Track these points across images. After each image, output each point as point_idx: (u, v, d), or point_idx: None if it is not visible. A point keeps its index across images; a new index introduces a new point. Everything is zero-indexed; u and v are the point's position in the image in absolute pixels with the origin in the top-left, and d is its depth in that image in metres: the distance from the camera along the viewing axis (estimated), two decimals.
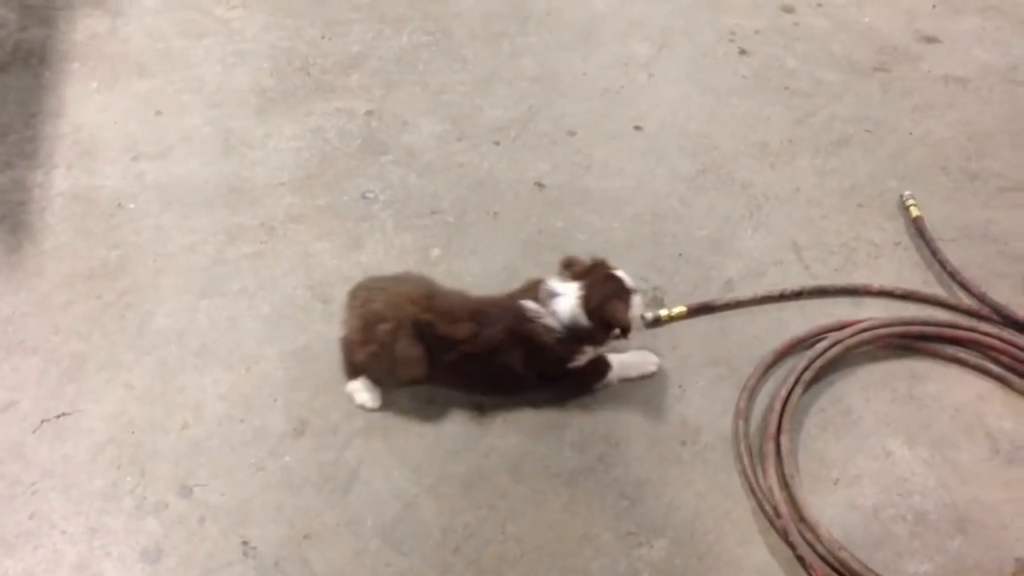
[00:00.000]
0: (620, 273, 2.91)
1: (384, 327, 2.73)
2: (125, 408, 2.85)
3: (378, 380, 2.92)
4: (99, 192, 3.57)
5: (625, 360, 3.09)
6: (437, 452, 2.83)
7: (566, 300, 2.81)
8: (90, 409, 2.84)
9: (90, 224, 3.43)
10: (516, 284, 3.27)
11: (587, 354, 2.92)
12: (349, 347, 2.87)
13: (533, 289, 2.88)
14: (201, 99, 4.11)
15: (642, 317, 3.23)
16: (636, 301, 2.92)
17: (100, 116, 3.94)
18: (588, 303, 2.80)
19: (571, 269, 2.92)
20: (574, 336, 2.83)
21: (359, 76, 4.37)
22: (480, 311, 2.84)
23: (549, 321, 2.80)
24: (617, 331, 2.87)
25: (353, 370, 2.92)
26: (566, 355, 2.88)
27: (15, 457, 2.70)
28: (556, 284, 2.85)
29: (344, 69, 4.40)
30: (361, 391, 2.94)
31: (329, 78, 4.33)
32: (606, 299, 2.81)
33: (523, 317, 2.82)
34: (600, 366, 3.01)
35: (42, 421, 2.80)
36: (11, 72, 4.15)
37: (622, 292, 2.86)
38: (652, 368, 3.13)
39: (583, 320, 2.80)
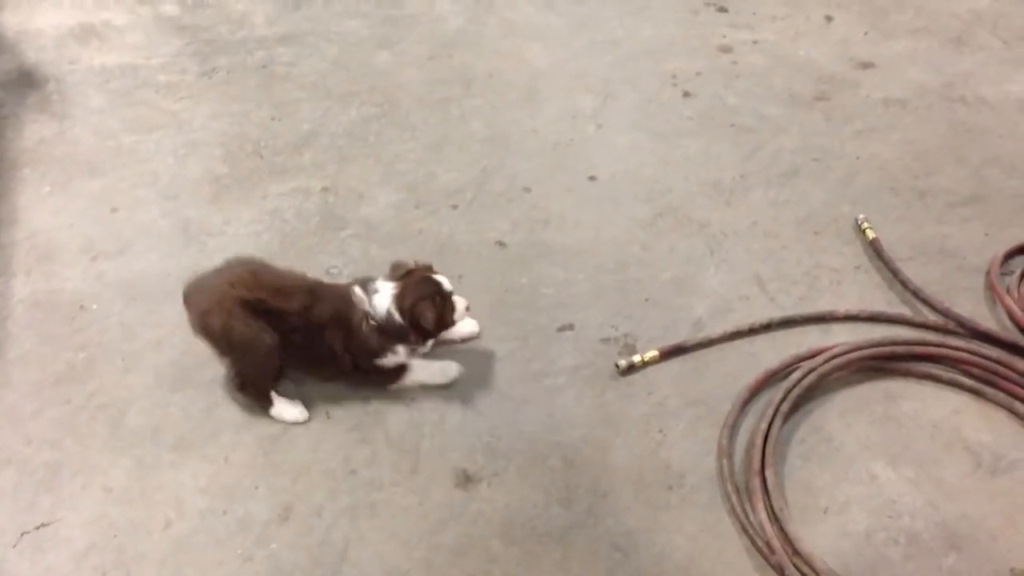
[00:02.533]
0: (439, 277, 3.08)
1: (215, 323, 2.89)
2: (105, 512, 2.80)
3: (253, 378, 3.08)
4: (60, 295, 3.54)
5: (428, 365, 3.23)
6: (424, 524, 2.80)
7: (383, 297, 3.00)
8: (69, 517, 2.79)
9: (53, 329, 3.40)
10: (487, 345, 3.31)
11: (399, 355, 3.10)
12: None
13: (365, 282, 3.07)
14: (156, 192, 4.11)
15: (616, 365, 3.25)
16: (460, 305, 3.13)
17: (55, 219, 3.92)
18: (400, 302, 2.99)
19: (396, 271, 3.10)
20: (386, 332, 3.01)
21: (311, 154, 4.39)
22: (315, 289, 3.04)
23: (368, 311, 3.00)
24: (429, 333, 3.08)
25: (238, 378, 3.11)
26: (377, 349, 3.05)
27: None
28: (380, 282, 3.05)
29: (296, 148, 4.43)
30: (284, 410, 3.10)
31: (282, 159, 4.36)
32: (417, 300, 2.99)
33: (349, 302, 3.02)
34: (400, 369, 3.17)
35: (21, 534, 2.74)
36: None
37: (435, 295, 3.03)
38: (453, 375, 3.24)
39: (396, 317, 2.98)
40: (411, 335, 3.05)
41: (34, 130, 4.51)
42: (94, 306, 3.50)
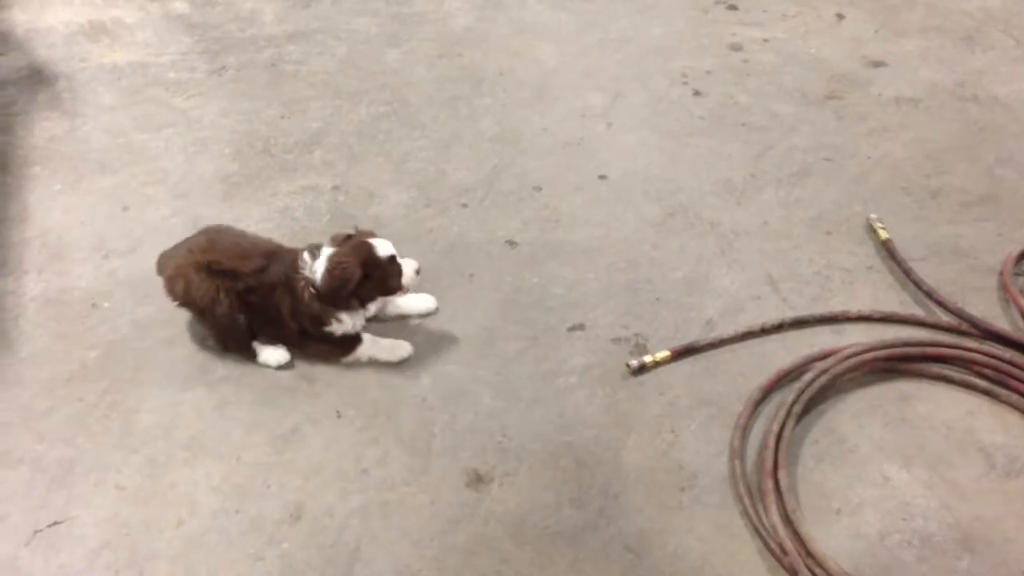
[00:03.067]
0: (376, 241, 3.14)
1: (178, 287, 3.13)
2: (118, 510, 2.80)
3: (228, 336, 3.23)
4: (72, 294, 3.54)
5: (379, 341, 3.31)
6: (436, 524, 2.80)
7: (321, 262, 3.08)
8: (82, 515, 2.79)
9: (66, 327, 3.40)
10: (498, 345, 3.31)
11: (344, 324, 3.17)
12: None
13: (314, 248, 3.15)
14: (166, 190, 4.11)
15: (627, 365, 3.24)
16: (408, 268, 3.18)
17: (66, 217, 3.92)
18: (328, 264, 3.06)
19: (336, 238, 3.18)
20: (325, 297, 3.08)
21: (321, 152, 4.39)
22: (273, 253, 3.18)
23: (309, 276, 3.08)
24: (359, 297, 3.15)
25: (218, 340, 3.28)
26: (320, 314, 3.12)
27: (10, 572, 2.63)
28: (323, 248, 3.12)
29: (306, 147, 4.43)
30: (268, 355, 3.25)
31: (292, 157, 4.36)
32: (341, 263, 3.04)
33: (296, 266, 3.10)
34: (350, 341, 3.24)
35: (34, 532, 2.73)
36: None
37: (365, 259, 3.08)
38: (403, 354, 3.31)
39: (325, 281, 3.06)
40: (347, 301, 3.12)
41: (45, 128, 4.52)
42: (106, 304, 3.50)
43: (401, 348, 3.32)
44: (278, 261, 3.15)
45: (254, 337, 3.26)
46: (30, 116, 4.60)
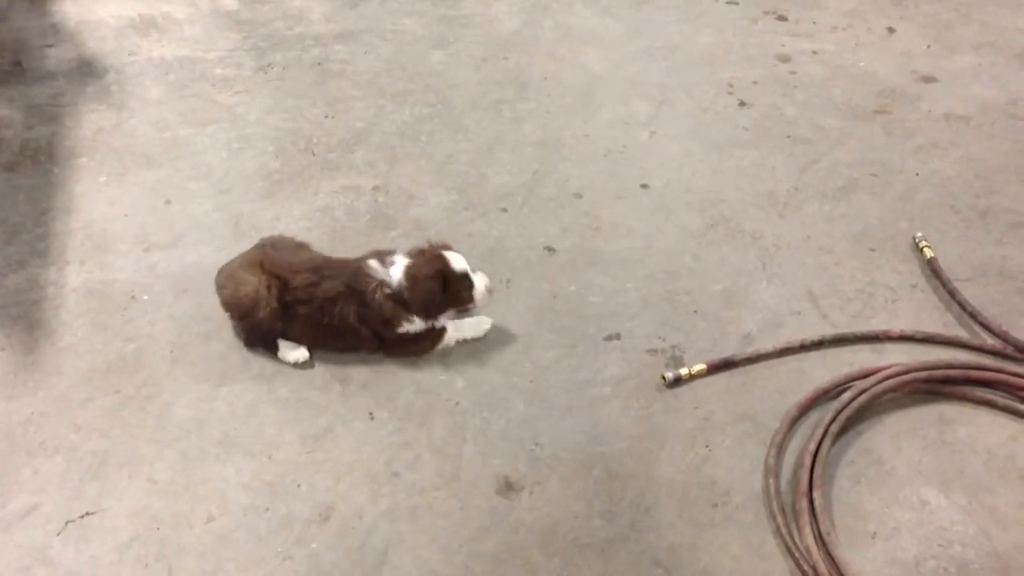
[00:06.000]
0: (451, 255, 3.19)
1: (227, 289, 3.22)
2: (149, 504, 2.82)
3: (260, 337, 3.29)
4: (112, 286, 3.57)
5: (462, 324, 3.39)
6: (465, 530, 2.78)
7: (398, 268, 3.15)
8: (114, 507, 2.81)
9: (105, 318, 3.43)
10: (534, 352, 3.29)
11: (415, 324, 3.21)
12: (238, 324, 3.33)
13: (383, 254, 3.23)
14: (209, 185, 4.14)
15: (663, 377, 3.21)
16: (479, 283, 3.23)
17: (110, 209, 3.97)
18: (407, 274, 3.13)
19: (413, 249, 3.25)
20: (400, 300, 3.14)
21: (364, 152, 4.40)
22: (323, 266, 3.22)
23: (382, 281, 3.14)
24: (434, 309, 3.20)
25: (247, 338, 3.34)
26: (392, 318, 3.17)
27: (41, 562, 2.66)
28: (397, 256, 3.20)
29: (348, 146, 4.44)
30: (287, 352, 3.27)
31: (334, 156, 4.37)
32: (422, 276, 3.12)
33: (362, 273, 3.16)
34: (435, 335, 3.30)
35: (66, 523, 2.76)
36: (20, 171, 4.19)
37: (442, 272, 3.14)
38: (487, 327, 3.42)
39: (404, 291, 3.13)
40: (425, 312, 3.18)
41: (92, 120, 4.57)
42: (145, 297, 3.53)
43: (484, 323, 3.41)
44: (331, 275, 3.18)
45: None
46: (78, 108, 4.66)
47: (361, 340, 3.25)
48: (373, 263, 3.19)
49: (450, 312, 3.29)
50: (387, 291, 3.14)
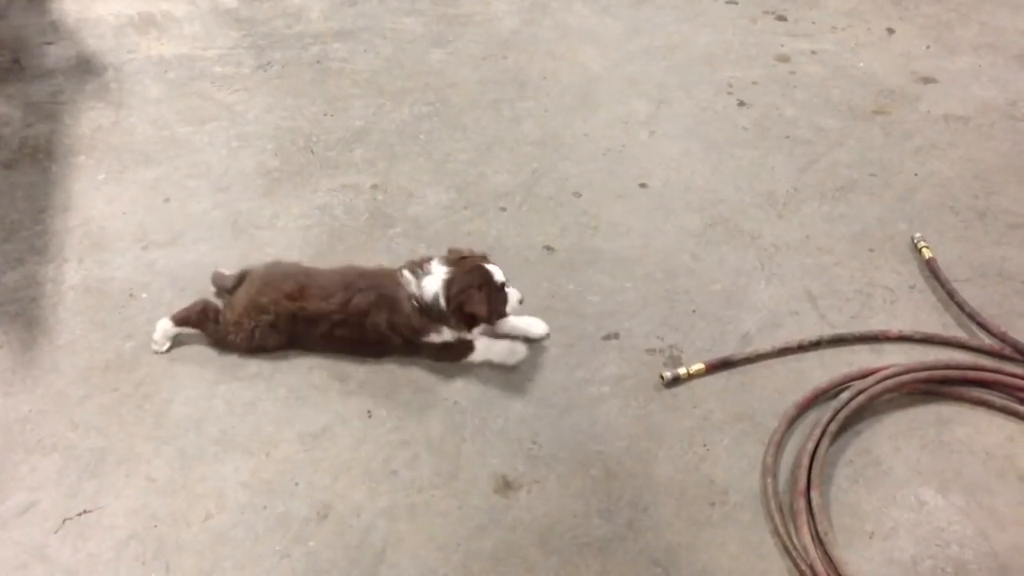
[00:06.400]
0: (491, 267, 3.16)
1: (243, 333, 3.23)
2: (147, 502, 2.82)
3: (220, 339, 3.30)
4: (111, 283, 3.57)
5: (494, 345, 3.30)
6: (463, 529, 2.78)
7: (433, 280, 3.11)
8: (112, 504, 2.80)
9: (103, 316, 3.43)
10: (532, 351, 3.29)
11: (444, 334, 3.19)
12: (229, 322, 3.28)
13: (419, 263, 3.20)
14: (208, 183, 4.14)
15: (661, 377, 3.21)
16: (512, 298, 3.21)
17: (109, 207, 3.96)
18: (448, 288, 3.09)
19: (451, 256, 3.21)
20: (431, 313, 3.13)
21: (363, 151, 4.40)
22: (353, 282, 3.20)
23: (414, 292, 3.13)
24: (473, 321, 3.17)
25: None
26: (420, 327, 3.16)
27: (39, 559, 2.65)
28: (434, 264, 3.16)
29: (347, 145, 4.44)
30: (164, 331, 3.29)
31: (333, 155, 4.37)
32: (465, 288, 3.08)
33: (395, 283, 3.16)
34: (462, 347, 3.26)
35: (64, 520, 2.76)
36: (19, 168, 4.18)
37: (484, 284, 3.10)
38: (520, 356, 3.31)
39: (442, 302, 3.09)
40: (452, 319, 3.14)
41: (91, 117, 4.57)
42: (144, 295, 3.53)
43: (518, 350, 3.31)
44: (362, 288, 3.18)
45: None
46: (77, 105, 4.65)
47: (391, 346, 3.25)
48: (407, 273, 3.17)
49: (481, 325, 3.24)
50: (415, 304, 3.12)
